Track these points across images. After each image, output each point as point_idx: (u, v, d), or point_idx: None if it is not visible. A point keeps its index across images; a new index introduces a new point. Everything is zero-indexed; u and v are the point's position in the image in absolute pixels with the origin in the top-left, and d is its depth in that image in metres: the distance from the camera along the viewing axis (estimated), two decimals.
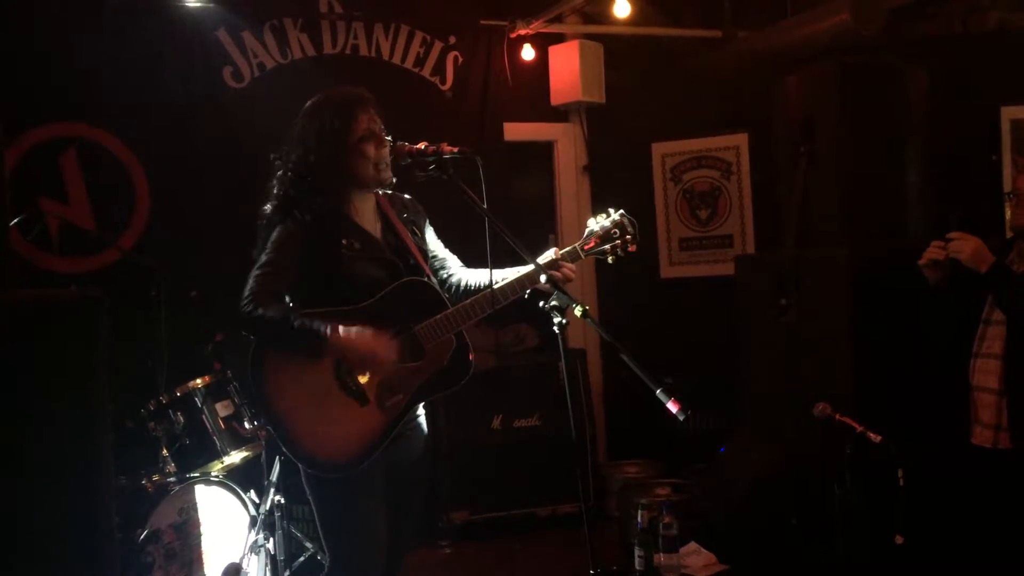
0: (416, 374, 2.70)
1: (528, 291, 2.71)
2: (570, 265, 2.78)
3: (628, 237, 2.85)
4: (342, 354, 2.59)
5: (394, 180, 2.80)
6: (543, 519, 4.99)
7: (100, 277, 4.49)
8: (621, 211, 2.87)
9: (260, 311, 2.54)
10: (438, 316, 2.69)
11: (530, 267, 2.66)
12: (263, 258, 2.65)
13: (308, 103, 2.77)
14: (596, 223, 2.86)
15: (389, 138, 2.75)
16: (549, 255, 2.78)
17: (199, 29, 4.82)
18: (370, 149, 2.70)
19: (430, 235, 3.00)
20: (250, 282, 2.61)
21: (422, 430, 2.90)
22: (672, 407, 2.28)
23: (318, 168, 2.69)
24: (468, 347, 2.76)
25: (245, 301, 2.58)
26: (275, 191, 2.75)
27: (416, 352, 2.70)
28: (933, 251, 3.44)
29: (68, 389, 1.39)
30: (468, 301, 2.71)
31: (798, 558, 3.91)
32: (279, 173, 2.76)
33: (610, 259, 2.86)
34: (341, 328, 2.55)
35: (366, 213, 2.81)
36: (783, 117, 4.84)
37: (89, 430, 1.41)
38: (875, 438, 3.51)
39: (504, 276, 2.76)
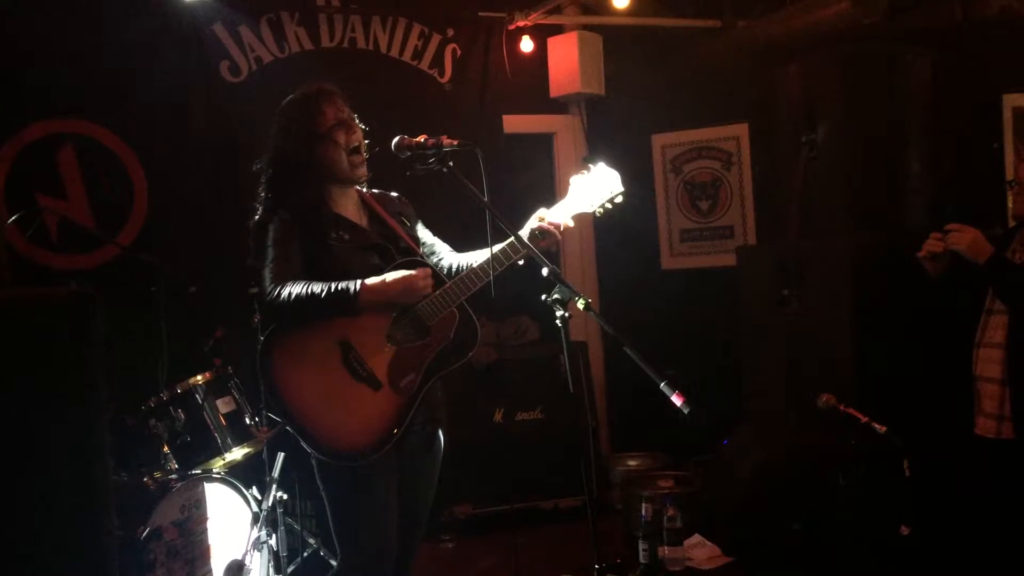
0: (424, 351, 2.71)
1: (521, 257, 2.69)
2: (553, 227, 2.75)
3: (612, 189, 2.83)
4: (383, 297, 2.61)
5: (368, 174, 2.82)
6: (546, 512, 4.98)
7: (99, 273, 4.48)
8: (601, 163, 2.85)
9: (287, 290, 2.58)
10: (436, 292, 2.70)
11: (518, 233, 2.65)
12: (269, 255, 2.68)
13: (277, 108, 2.81)
14: (580, 179, 2.85)
15: (364, 126, 2.79)
16: (535, 218, 2.78)
17: (195, 23, 4.80)
18: (340, 136, 2.74)
19: (420, 228, 3.02)
20: (267, 276, 2.64)
21: (437, 430, 2.90)
22: (676, 400, 2.27)
23: (293, 165, 2.73)
24: (473, 318, 2.77)
25: (269, 291, 2.61)
26: (260, 198, 2.79)
27: (421, 330, 2.72)
28: (931, 243, 3.43)
29: (64, 389, 1.37)
30: (464, 273, 2.73)
31: (803, 549, 3.90)
32: (261, 180, 2.80)
33: (598, 212, 2.85)
34: (369, 280, 2.59)
35: (348, 207, 2.83)
36: (784, 107, 4.80)
37: (86, 430, 1.39)
38: (880, 429, 3.50)
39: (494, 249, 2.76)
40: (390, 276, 2.63)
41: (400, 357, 2.69)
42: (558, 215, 2.80)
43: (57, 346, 1.34)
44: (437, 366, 2.73)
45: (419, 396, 2.70)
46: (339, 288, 2.58)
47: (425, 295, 2.67)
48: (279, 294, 2.58)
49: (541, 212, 2.80)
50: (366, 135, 2.83)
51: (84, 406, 1.38)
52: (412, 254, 2.82)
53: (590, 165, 2.86)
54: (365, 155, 2.79)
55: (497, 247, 2.70)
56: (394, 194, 3.01)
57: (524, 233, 2.72)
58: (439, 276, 2.79)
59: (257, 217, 2.77)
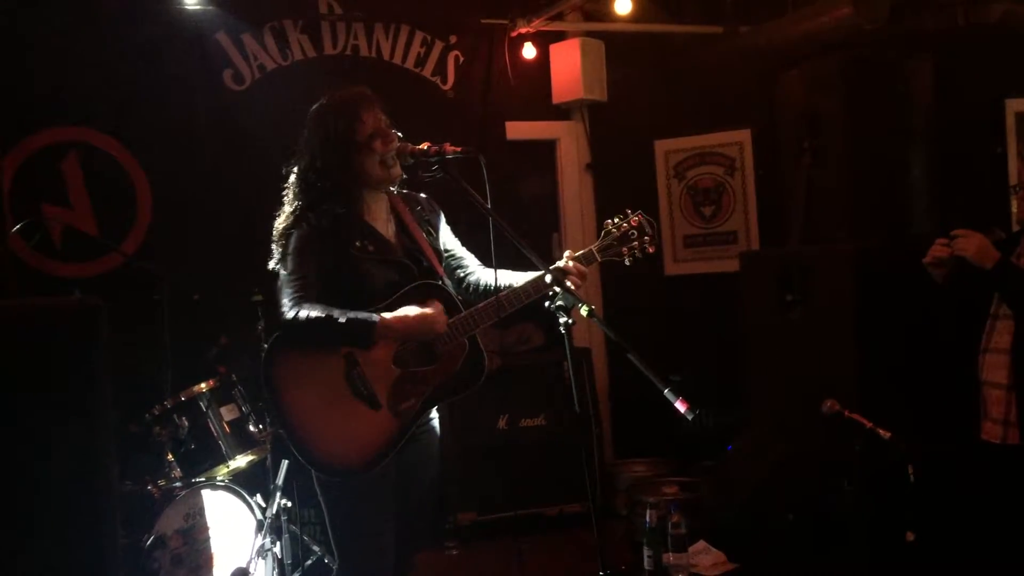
0: (428, 378, 2.69)
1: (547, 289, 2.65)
2: (579, 271, 2.73)
3: (646, 238, 2.80)
4: (399, 334, 2.61)
5: (404, 176, 2.78)
6: (550, 519, 4.97)
7: (103, 282, 4.50)
8: (640, 212, 2.83)
9: (304, 313, 2.55)
10: (452, 319, 2.68)
11: (540, 273, 2.63)
12: (290, 266, 2.65)
13: (312, 109, 2.77)
14: (613, 224, 2.82)
15: (398, 133, 2.74)
16: (564, 259, 2.75)
17: (199, 32, 4.82)
18: (379, 146, 2.69)
19: (446, 233, 2.97)
20: (286, 290, 2.62)
21: (435, 433, 2.89)
22: (680, 406, 2.27)
23: (328, 172, 2.69)
24: (481, 352, 2.75)
25: (287, 308, 2.58)
26: (287, 201, 2.75)
27: (428, 356, 2.69)
28: (937, 249, 3.41)
29: (69, 397, 1.37)
30: (480, 305, 2.70)
31: (807, 556, 3.89)
32: (290, 182, 2.76)
33: (627, 261, 2.81)
34: (387, 314, 2.58)
35: (379, 214, 2.80)
36: (786, 112, 4.81)
37: (91, 438, 1.39)
38: (884, 435, 3.49)
39: (515, 279, 2.75)
40: (411, 312, 2.60)
41: (404, 380, 2.66)
42: (585, 260, 2.77)
43: (62, 355, 1.34)
44: (437, 396, 2.71)
45: (415, 422, 2.68)
46: (358, 318, 2.56)
47: (442, 332, 2.65)
48: (297, 315, 2.55)
49: (568, 254, 2.77)
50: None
51: (89, 414, 1.38)
52: (433, 274, 2.78)
53: (627, 211, 2.83)
54: (399, 161, 2.74)
55: (523, 279, 2.70)
56: (422, 195, 2.95)
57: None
58: (455, 301, 2.75)
59: (283, 222, 2.72)
